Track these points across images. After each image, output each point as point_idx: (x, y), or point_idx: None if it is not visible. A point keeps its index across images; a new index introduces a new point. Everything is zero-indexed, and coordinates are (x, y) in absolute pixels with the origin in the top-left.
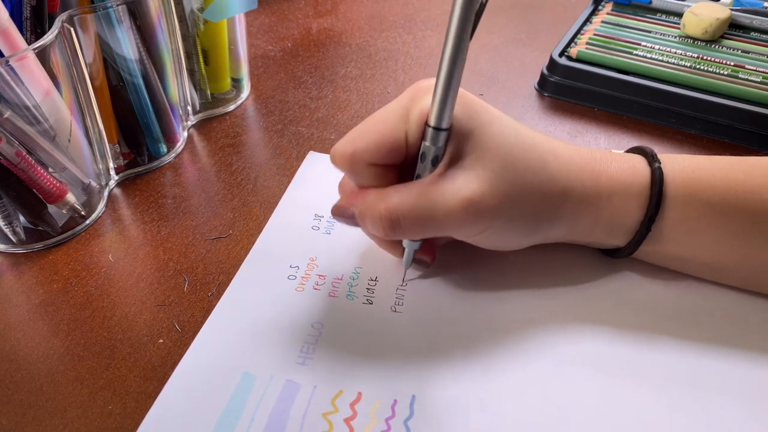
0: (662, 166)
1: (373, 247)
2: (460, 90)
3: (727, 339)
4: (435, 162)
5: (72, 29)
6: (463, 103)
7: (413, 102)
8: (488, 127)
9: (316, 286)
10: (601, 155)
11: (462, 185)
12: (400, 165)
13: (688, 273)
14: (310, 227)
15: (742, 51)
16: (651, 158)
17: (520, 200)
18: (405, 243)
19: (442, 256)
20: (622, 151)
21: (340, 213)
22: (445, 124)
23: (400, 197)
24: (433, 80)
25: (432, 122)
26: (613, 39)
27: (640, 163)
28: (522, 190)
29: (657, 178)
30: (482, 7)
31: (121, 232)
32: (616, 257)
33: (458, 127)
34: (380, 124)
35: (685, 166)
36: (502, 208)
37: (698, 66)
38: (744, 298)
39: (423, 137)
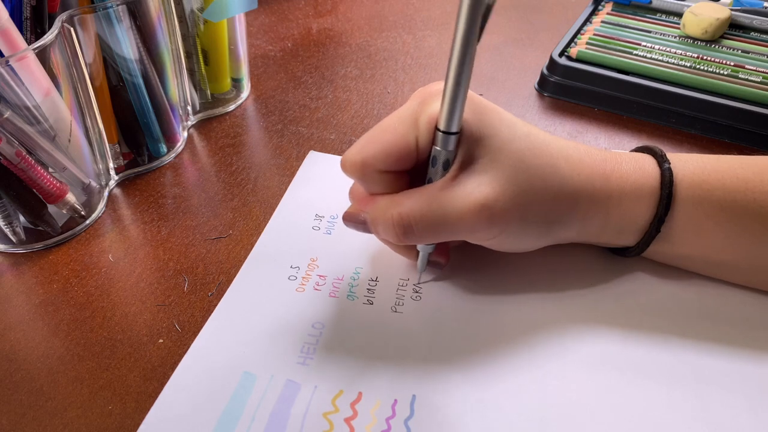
0: (672, 166)
1: (374, 247)
2: (470, 93)
3: (734, 338)
4: (446, 166)
5: (72, 29)
6: (472, 106)
7: (422, 107)
8: (499, 131)
9: (317, 287)
10: (611, 156)
11: (474, 189)
12: (410, 170)
13: (695, 271)
14: (310, 227)
15: (742, 51)
16: (660, 158)
17: (532, 204)
18: (419, 246)
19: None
20: (629, 151)
21: (352, 219)
22: (455, 128)
23: (412, 203)
24: (440, 84)
25: (442, 126)
26: (613, 39)
27: (649, 164)
28: (534, 194)
29: (667, 180)
30: (489, 9)
31: (121, 232)
32: (625, 256)
33: (468, 131)
34: (390, 131)
35: (695, 166)
36: (515, 213)
37: (698, 66)
38: (749, 296)
39: (433, 141)
